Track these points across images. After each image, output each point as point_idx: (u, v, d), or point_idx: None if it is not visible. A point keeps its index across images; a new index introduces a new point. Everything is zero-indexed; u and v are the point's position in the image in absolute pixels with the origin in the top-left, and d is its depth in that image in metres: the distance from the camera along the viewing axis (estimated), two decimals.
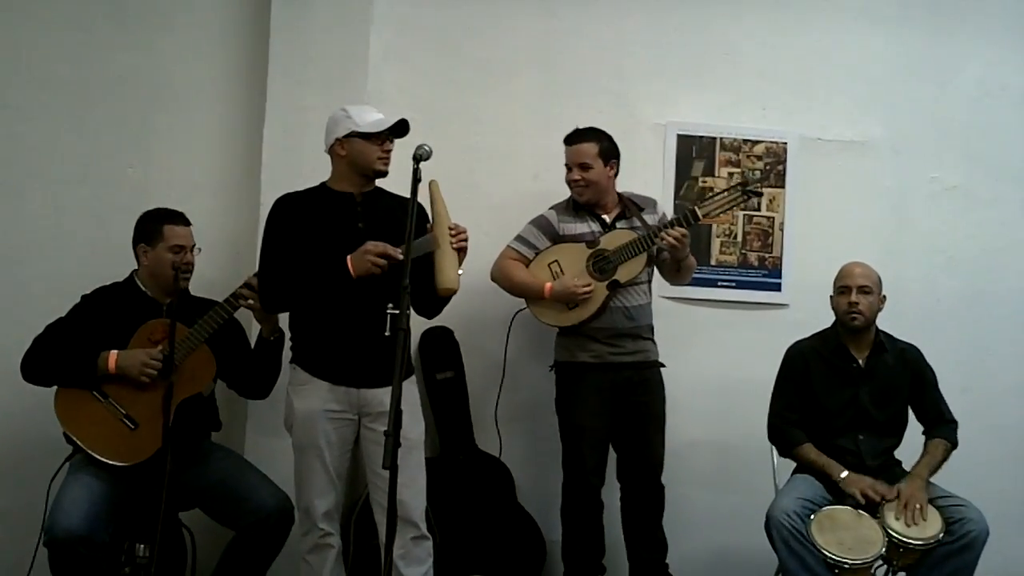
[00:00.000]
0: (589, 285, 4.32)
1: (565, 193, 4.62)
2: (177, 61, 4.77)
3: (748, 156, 5.07)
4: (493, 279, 4.50)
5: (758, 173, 5.07)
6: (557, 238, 4.46)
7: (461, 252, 3.66)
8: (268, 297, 3.80)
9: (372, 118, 3.73)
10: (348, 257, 3.61)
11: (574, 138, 4.43)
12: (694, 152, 5.04)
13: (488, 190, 4.87)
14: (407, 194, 3.32)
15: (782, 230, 5.02)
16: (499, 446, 4.82)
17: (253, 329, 4.21)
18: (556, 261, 4.42)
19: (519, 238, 4.50)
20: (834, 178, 5.16)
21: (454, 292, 3.65)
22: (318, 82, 4.60)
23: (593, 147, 4.38)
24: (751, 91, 5.14)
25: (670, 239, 4.19)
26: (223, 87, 4.79)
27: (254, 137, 4.64)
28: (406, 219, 3.20)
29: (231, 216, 4.70)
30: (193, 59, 4.78)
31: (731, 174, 5.04)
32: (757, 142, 5.09)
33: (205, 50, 4.78)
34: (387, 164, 3.77)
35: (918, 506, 3.87)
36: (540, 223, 4.50)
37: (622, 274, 4.33)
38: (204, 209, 4.55)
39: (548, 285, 4.37)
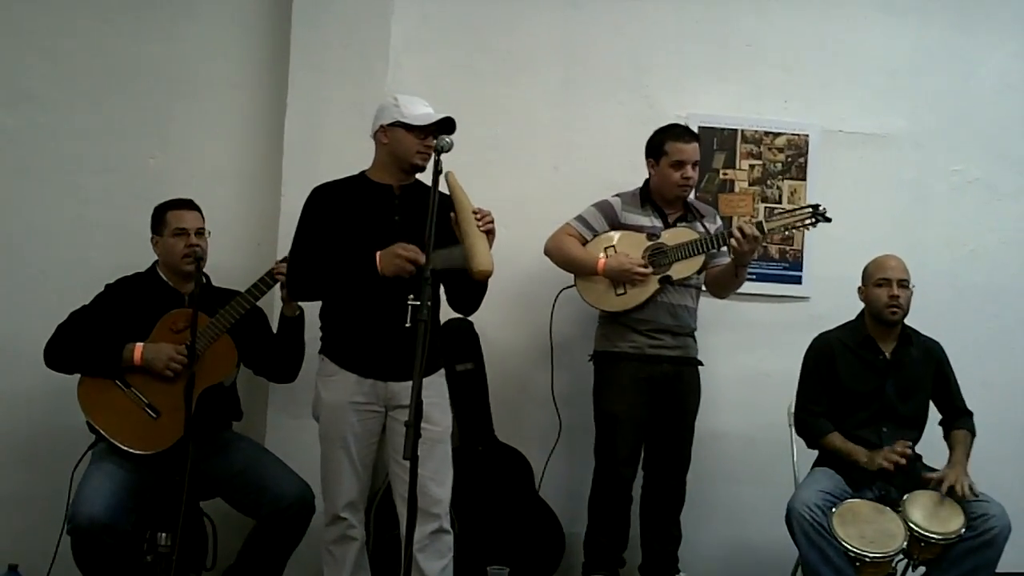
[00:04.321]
0: (645, 267, 4.33)
1: (584, 184, 4.66)
2: (199, 51, 4.77)
3: (769, 148, 5.06)
4: (547, 252, 4.51)
5: (780, 165, 5.06)
6: (617, 225, 4.47)
7: (490, 235, 3.61)
8: (294, 284, 3.83)
9: (420, 111, 3.69)
10: (378, 253, 3.59)
11: (694, 136, 4.47)
12: (715, 144, 5.03)
13: (508, 182, 4.86)
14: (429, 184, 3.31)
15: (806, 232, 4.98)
16: (559, 426, 4.83)
17: (273, 313, 4.24)
18: (613, 246, 4.43)
19: (579, 218, 4.50)
20: (856, 171, 5.15)
21: (490, 273, 3.58)
22: (340, 73, 4.61)
23: None
24: (773, 83, 5.13)
25: (741, 237, 4.15)
26: (245, 77, 4.79)
27: (275, 127, 4.65)
28: (442, 214, 3.19)
29: (252, 206, 4.72)
30: (215, 49, 4.78)
31: (752, 166, 5.04)
32: (779, 134, 5.08)
33: (227, 40, 4.79)
34: (426, 160, 3.70)
35: (967, 483, 3.87)
36: (603, 207, 4.51)
37: (676, 271, 4.35)
38: (225, 199, 4.61)
39: (602, 260, 4.38)
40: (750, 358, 5.02)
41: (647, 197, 4.51)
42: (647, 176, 4.54)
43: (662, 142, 4.42)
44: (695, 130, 4.89)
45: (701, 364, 4.56)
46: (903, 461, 4.00)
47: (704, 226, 4.46)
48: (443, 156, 3.32)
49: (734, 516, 4.99)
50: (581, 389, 4.67)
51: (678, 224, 4.47)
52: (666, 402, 4.43)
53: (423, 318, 3.01)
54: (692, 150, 4.40)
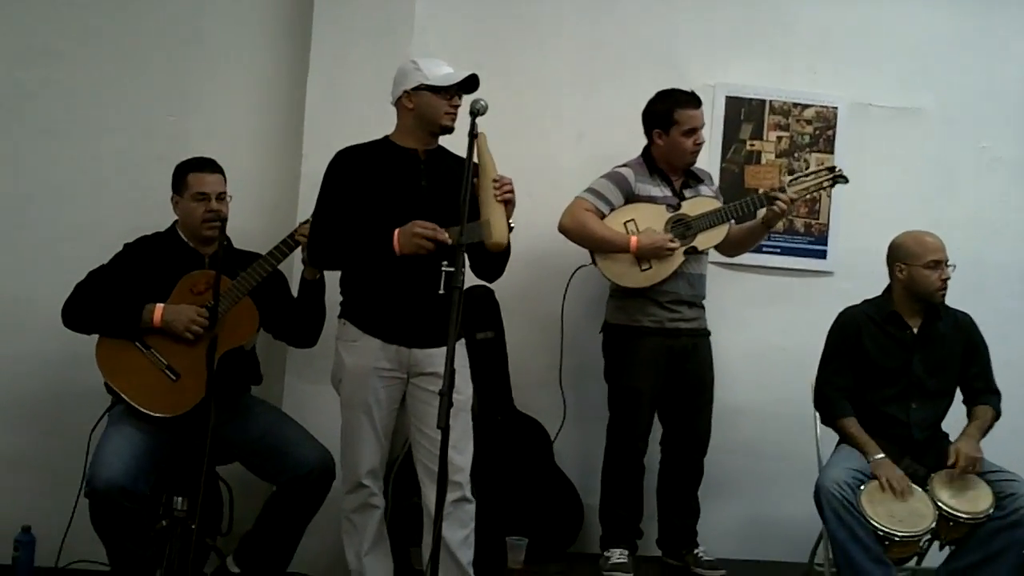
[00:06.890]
0: (676, 242, 4.26)
1: (609, 153, 4.59)
2: (221, 10, 4.69)
3: (797, 120, 4.99)
4: (564, 230, 4.37)
5: (807, 138, 5.00)
6: (632, 197, 4.37)
7: (508, 205, 3.56)
8: (315, 254, 3.76)
9: (442, 72, 3.64)
10: (396, 231, 3.52)
11: (699, 99, 4.39)
12: (743, 115, 4.96)
13: (532, 150, 4.78)
14: (457, 149, 3.26)
15: (829, 196, 4.92)
16: (563, 407, 4.79)
17: (293, 277, 4.18)
18: (633, 220, 4.34)
19: (594, 191, 4.38)
20: (884, 145, 5.09)
21: (503, 246, 3.54)
22: (363, 36, 4.53)
23: None
24: (802, 54, 5.06)
25: (783, 203, 4.17)
26: (267, 38, 4.71)
27: (297, 89, 4.58)
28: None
29: (272, 168, 4.65)
30: (237, 9, 4.70)
31: (779, 138, 4.97)
32: (807, 106, 5.01)
33: (251, 1, 4.71)
34: (454, 120, 3.67)
35: (974, 460, 3.83)
36: (616, 179, 4.39)
37: (701, 241, 4.31)
38: (245, 160, 4.53)
39: (634, 239, 4.27)
40: (773, 332, 4.97)
41: (653, 166, 4.43)
42: (647, 145, 4.47)
43: (670, 111, 4.34)
44: (722, 100, 4.86)
45: (709, 334, 4.52)
46: (895, 492, 3.88)
47: (709, 189, 4.47)
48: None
49: (752, 491, 4.97)
50: (591, 362, 4.62)
51: (684, 190, 4.41)
52: (683, 375, 4.40)
53: (457, 284, 2.97)
54: (701, 115, 4.36)
